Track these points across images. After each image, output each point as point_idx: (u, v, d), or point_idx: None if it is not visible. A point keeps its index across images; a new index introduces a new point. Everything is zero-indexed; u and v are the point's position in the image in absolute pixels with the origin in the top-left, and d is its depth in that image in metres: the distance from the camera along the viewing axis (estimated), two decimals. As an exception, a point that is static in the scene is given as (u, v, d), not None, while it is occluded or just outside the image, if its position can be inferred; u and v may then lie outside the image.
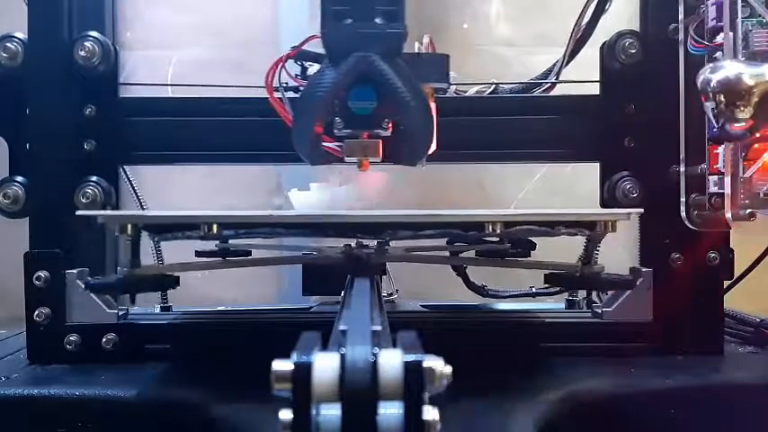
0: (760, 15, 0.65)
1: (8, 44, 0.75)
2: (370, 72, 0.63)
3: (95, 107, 0.78)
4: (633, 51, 0.77)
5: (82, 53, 0.76)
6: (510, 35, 1.18)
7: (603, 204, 0.80)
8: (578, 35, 0.82)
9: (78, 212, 0.68)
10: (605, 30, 0.81)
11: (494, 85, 0.85)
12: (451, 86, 0.80)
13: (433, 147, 0.69)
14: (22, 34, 0.76)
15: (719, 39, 0.67)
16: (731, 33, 0.65)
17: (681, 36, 0.73)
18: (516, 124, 0.80)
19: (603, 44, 0.79)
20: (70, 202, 0.76)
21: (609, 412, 0.66)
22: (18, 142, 0.77)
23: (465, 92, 0.85)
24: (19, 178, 0.76)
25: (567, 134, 0.80)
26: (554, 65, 0.85)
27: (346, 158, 0.69)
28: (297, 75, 0.72)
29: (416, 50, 0.71)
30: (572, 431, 0.65)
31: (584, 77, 0.83)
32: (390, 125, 0.66)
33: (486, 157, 0.83)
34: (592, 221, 0.68)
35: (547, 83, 0.85)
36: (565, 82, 0.84)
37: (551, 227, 0.66)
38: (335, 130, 0.66)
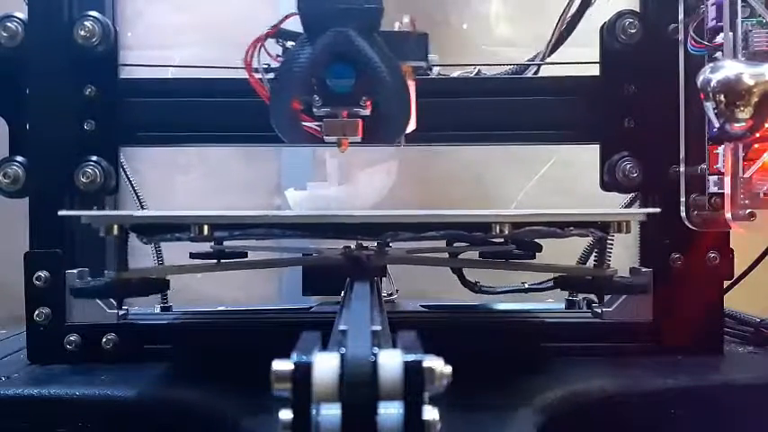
0: (760, 15, 0.65)
1: (8, 24, 0.75)
2: (347, 47, 0.63)
3: (95, 87, 0.77)
4: (633, 31, 0.76)
5: (82, 33, 0.75)
6: (510, 35, 1.18)
7: (603, 185, 0.79)
8: (563, 27, 0.82)
9: (61, 212, 0.66)
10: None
11: (477, 69, 0.85)
12: (434, 69, 0.80)
13: (412, 126, 0.69)
14: (22, 14, 0.76)
15: (719, 39, 0.67)
16: (731, 33, 0.65)
17: (681, 36, 0.73)
18: (517, 105, 0.80)
19: (603, 25, 0.79)
20: (70, 182, 0.76)
21: (609, 412, 0.66)
22: (18, 122, 0.77)
23: (448, 75, 0.84)
24: (19, 158, 0.76)
25: (567, 115, 0.80)
26: (536, 54, 0.85)
27: (326, 138, 0.68)
28: (278, 55, 0.71)
29: (396, 29, 0.71)
30: (572, 431, 0.65)
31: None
32: (369, 103, 0.65)
33: (486, 138, 0.82)
34: (605, 222, 0.66)
35: (542, 64, 0.85)
36: (564, 63, 0.84)
37: (561, 228, 0.64)
38: (314, 108, 0.66)
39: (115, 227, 0.63)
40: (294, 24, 0.68)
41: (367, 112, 0.66)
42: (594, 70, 0.80)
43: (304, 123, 0.68)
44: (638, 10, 0.78)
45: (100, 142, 0.78)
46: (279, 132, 0.68)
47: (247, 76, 0.72)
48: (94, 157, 0.77)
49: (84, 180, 0.76)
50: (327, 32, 0.63)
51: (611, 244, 0.73)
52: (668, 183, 0.76)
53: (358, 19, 0.63)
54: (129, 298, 0.79)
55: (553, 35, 0.82)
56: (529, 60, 0.87)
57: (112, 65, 0.79)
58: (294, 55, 0.66)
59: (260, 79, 0.70)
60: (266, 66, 0.70)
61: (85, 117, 0.77)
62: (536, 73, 0.85)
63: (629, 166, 0.77)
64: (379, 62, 0.64)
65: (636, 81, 0.78)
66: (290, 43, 0.71)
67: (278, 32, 0.70)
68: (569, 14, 0.82)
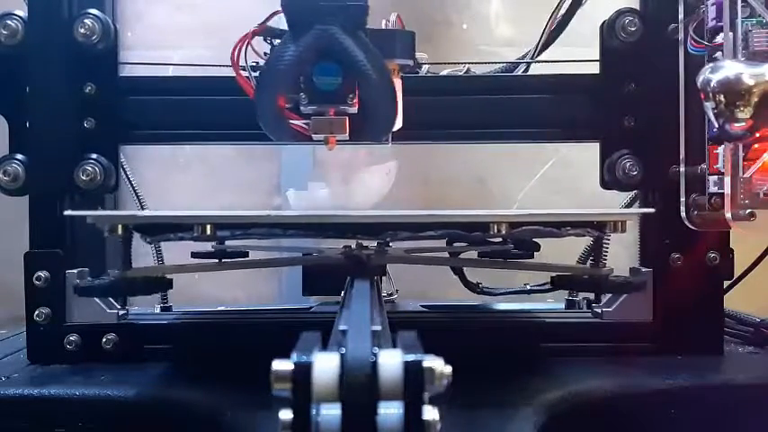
0: (760, 15, 0.65)
1: (8, 22, 0.75)
2: (332, 45, 0.63)
3: (95, 85, 0.77)
4: (633, 29, 0.76)
5: (82, 30, 0.75)
6: (510, 35, 1.18)
7: (603, 184, 0.79)
8: (552, 27, 0.82)
9: (66, 212, 0.67)
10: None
11: (466, 67, 0.85)
12: (424, 67, 0.79)
13: (399, 124, 0.69)
14: (22, 12, 0.76)
15: (719, 39, 0.67)
16: (731, 33, 0.65)
17: (681, 36, 0.73)
18: (517, 103, 0.80)
19: (603, 23, 0.78)
20: (70, 180, 0.76)
21: (609, 412, 0.66)
22: (18, 120, 0.76)
23: (437, 73, 0.84)
24: (19, 156, 0.76)
25: (567, 113, 0.80)
26: (525, 54, 0.85)
27: (313, 136, 0.68)
28: (265, 53, 0.71)
29: (383, 27, 0.71)
30: (572, 431, 0.65)
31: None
32: (356, 101, 0.65)
33: (486, 136, 0.82)
34: (601, 222, 0.66)
35: (543, 62, 0.85)
36: (564, 61, 0.84)
37: (558, 227, 0.64)
38: (301, 106, 0.66)
39: (119, 227, 0.63)
40: (282, 22, 0.68)
41: (354, 109, 0.66)
42: (594, 68, 0.80)
43: (291, 121, 0.68)
44: (638, 8, 0.78)
45: (100, 140, 0.78)
46: (265, 130, 0.68)
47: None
48: (94, 155, 0.77)
49: (84, 178, 0.76)
50: (312, 30, 0.63)
51: (608, 243, 0.73)
52: (668, 182, 0.75)
53: (343, 16, 0.63)
54: (132, 297, 0.79)
55: (542, 35, 0.82)
56: (517, 59, 0.87)
57: (112, 63, 0.79)
58: (278, 53, 0.65)
59: (247, 77, 0.70)
60: (254, 64, 0.70)
61: (85, 115, 0.77)
62: (525, 71, 0.85)
63: (629, 164, 0.77)
64: (363, 60, 0.63)
65: (636, 79, 0.77)
66: (277, 41, 0.71)
67: (265, 30, 0.70)
68: (560, 14, 0.82)
